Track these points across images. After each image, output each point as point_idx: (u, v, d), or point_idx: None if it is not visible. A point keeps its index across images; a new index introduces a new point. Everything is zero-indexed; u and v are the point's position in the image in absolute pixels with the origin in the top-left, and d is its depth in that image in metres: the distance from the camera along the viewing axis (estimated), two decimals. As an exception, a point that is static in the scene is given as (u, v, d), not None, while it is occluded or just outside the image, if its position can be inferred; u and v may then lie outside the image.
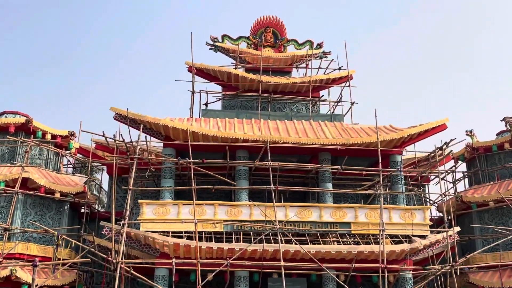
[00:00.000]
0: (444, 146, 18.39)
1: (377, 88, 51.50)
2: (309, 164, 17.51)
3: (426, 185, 21.14)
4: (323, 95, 21.83)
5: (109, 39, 56.68)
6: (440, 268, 16.58)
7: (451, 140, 18.21)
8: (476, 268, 18.16)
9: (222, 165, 17.34)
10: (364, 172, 17.86)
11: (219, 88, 21.97)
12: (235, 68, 21.40)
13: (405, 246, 16.26)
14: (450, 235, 16.79)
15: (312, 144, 17.23)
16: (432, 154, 18.69)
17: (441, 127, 18.48)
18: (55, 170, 18.95)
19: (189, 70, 20.98)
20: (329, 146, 17.29)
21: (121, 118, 17.51)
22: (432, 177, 20.50)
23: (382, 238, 15.80)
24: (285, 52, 22.66)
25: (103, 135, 17.20)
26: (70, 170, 20.78)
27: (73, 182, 18.46)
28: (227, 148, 16.63)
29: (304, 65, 22.68)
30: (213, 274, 15.65)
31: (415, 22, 55.76)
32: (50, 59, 55.28)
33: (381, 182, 16.90)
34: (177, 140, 17.41)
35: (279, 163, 16.87)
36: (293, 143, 17.14)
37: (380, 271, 15.51)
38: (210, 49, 22.43)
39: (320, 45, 22.87)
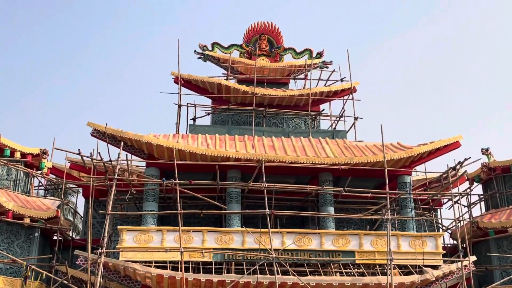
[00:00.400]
0: (458, 166, 18.46)
1: (383, 102, 51.96)
2: (308, 186, 17.53)
3: (439, 210, 21.17)
4: (323, 109, 21.98)
5: (87, 48, 56.97)
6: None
7: (466, 159, 18.30)
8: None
9: (212, 187, 17.32)
10: (369, 195, 17.88)
11: (208, 101, 22.08)
12: (227, 79, 21.53)
13: (415, 278, 16.23)
14: (466, 265, 16.76)
15: (312, 163, 17.25)
16: (445, 175, 18.75)
17: (454, 145, 18.58)
18: (25, 193, 18.84)
19: (176, 81, 21.07)
20: (331, 166, 17.33)
21: (99, 134, 17.50)
22: (445, 200, 20.58)
23: (390, 269, 15.77)
24: (281, 61, 22.88)
25: (79, 154, 17.14)
26: (41, 192, 20.71)
27: (44, 206, 18.36)
28: (217, 168, 16.63)
29: (302, 76, 22.87)
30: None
31: (424, 31, 56.50)
32: (20, 69, 55.38)
33: (389, 206, 16.92)
34: (162, 159, 17.41)
35: (275, 184, 16.87)
36: (291, 163, 17.16)
37: (388, 306, 15.43)
38: (198, 58, 22.59)
39: (320, 54, 23.07)
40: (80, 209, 22.24)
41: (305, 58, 22.78)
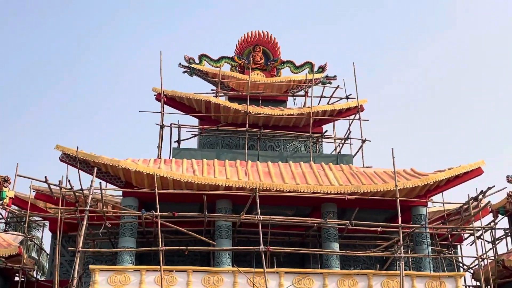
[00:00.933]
0: (480, 196, 18.48)
1: (394, 123, 52.16)
2: (309, 219, 17.54)
3: (459, 246, 21.18)
4: (326, 131, 22.16)
5: (59, 60, 57.13)
6: None
7: (489, 188, 18.33)
8: None
9: (199, 220, 17.35)
10: (379, 229, 17.96)
11: (195, 121, 22.25)
12: (216, 96, 21.73)
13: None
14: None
15: (313, 192, 17.33)
16: (465, 206, 18.80)
17: (476, 172, 18.73)
18: (-18, 226, 18.80)
19: (158, 98, 21.25)
20: (335, 196, 17.40)
21: (69, 159, 17.53)
22: (466, 235, 20.57)
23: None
24: (278, 76, 23.13)
25: (46, 181, 17.12)
26: (2, 226, 20.62)
27: (5, 242, 18.29)
28: (204, 197, 16.64)
29: (302, 93, 23.09)
30: None
31: (441, 44, 56.98)
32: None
33: (401, 241, 16.92)
34: (141, 188, 17.43)
35: (271, 217, 16.88)
36: (289, 192, 17.22)
37: None
38: (184, 72, 22.84)
39: (322, 68, 23.31)
40: (47, 246, 22.20)
41: (306, 72, 23.05)
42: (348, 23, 58.36)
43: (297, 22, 56.72)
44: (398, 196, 17.11)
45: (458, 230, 18.98)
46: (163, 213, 16.39)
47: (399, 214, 16.94)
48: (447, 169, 18.54)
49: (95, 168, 17.24)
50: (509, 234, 20.83)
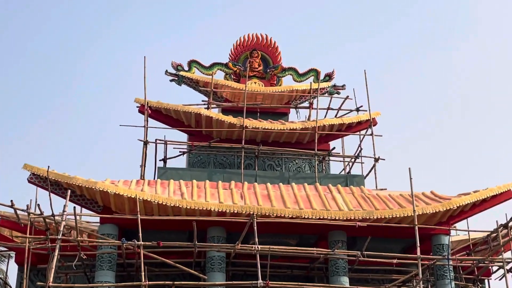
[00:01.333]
0: (511, 223, 18.02)
1: (411, 139, 51.78)
2: (314, 249, 16.97)
3: (486, 281, 20.67)
4: (334, 148, 21.79)
5: (32, 70, 56.71)
6: None
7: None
8: None
9: (187, 250, 16.88)
10: (395, 261, 17.46)
11: (184, 137, 21.94)
12: (208, 108, 21.40)
13: None
14: None
15: (319, 218, 16.88)
16: (494, 235, 18.32)
17: (505, 195, 18.30)
18: None
19: (141, 110, 20.91)
20: (344, 222, 16.94)
21: (39, 180, 17.07)
22: (495, 268, 20.12)
23: None
24: (279, 85, 22.87)
25: (12, 206, 16.61)
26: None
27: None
28: (194, 224, 16.18)
29: (306, 104, 22.78)
30: None
31: (465, 52, 56.65)
32: None
33: (421, 275, 16.36)
34: (121, 213, 17.00)
35: (271, 247, 16.39)
36: (292, 218, 16.78)
37: None
38: (171, 80, 22.61)
39: (329, 76, 23.04)
40: (12, 280, 21.65)
41: (310, 81, 22.75)
42: (359, 27, 58.27)
43: (301, 24, 56.67)
44: (416, 223, 16.58)
45: (486, 262, 18.48)
46: (147, 243, 15.88)
47: (418, 244, 16.41)
48: (472, 192, 18.11)
49: (69, 191, 16.74)
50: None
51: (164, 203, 16.60)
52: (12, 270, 37.19)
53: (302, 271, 18.71)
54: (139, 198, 16.41)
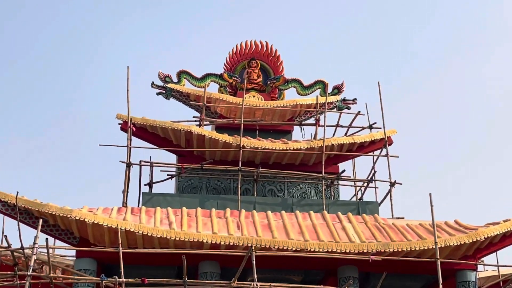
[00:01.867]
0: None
1: (431, 161, 51.45)
2: (322, 287, 16.92)
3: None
4: (344, 170, 21.78)
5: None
6: None
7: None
8: None
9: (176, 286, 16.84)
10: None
11: (172, 158, 21.96)
12: (200, 125, 21.40)
13: None
14: None
15: (327, 252, 16.91)
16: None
17: (539, 224, 18.36)
18: None
19: (123, 128, 20.87)
20: (356, 256, 16.97)
21: (7, 208, 17.08)
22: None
23: None
24: (281, 99, 22.91)
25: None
26: None
27: None
28: (184, 259, 16.16)
29: (312, 120, 22.87)
30: None
31: (495, 65, 56.53)
32: None
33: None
34: (100, 245, 16.99)
35: (272, 284, 16.37)
36: (296, 251, 16.80)
37: None
38: (158, 94, 22.67)
39: (338, 89, 23.13)
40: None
41: (317, 94, 22.82)
42: (372, 34, 58.31)
43: (306, 30, 56.60)
44: (438, 257, 16.67)
45: None
46: (130, 280, 15.86)
47: (440, 281, 16.51)
48: (502, 221, 18.13)
49: (41, 220, 16.73)
50: None
51: (149, 234, 16.61)
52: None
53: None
54: (120, 229, 16.40)
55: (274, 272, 17.26)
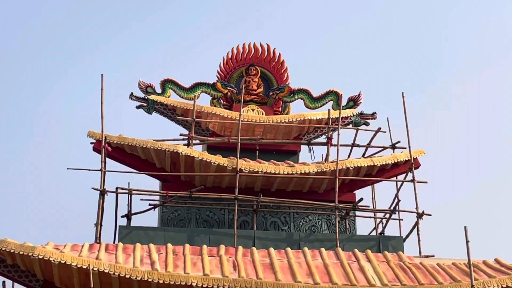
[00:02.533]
0: None
1: (466, 190, 51.12)
2: None
3: None
4: (362, 199, 21.34)
5: None
6: None
7: None
8: None
9: None
10: None
11: (155, 185, 21.78)
12: (188, 145, 21.16)
13: None
14: None
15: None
16: None
17: None
18: None
19: (96, 148, 20.66)
20: (377, 302, 16.76)
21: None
22: None
23: None
24: (286, 113, 22.80)
25: None
26: None
27: None
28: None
29: (323, 139, 22.65)
30: None
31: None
32: None
33: None
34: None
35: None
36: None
37: None
38: (139, 107, 22.58)
39: (354, 101, 22.96)
40: None
41: (329, 107, 22.63)
42: (393, 39, 58.24)
43: (315, 33, 56.51)
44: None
45: None
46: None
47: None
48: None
49: (-3, 261, 16.62)
50: None
51: (127, 276, 16.35)
52: None
53: None
54: (93, 269, 16.17)
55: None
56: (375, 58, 57.45)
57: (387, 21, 58.22)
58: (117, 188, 20.33)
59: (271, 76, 22.97)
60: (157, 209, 20.97)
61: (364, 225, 24.11)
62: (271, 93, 22.72)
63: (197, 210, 20.73)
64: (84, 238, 18.67)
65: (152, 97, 22.20)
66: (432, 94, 55.98)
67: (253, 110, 22.35)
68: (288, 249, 19.00)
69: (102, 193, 19.87)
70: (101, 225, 19.56)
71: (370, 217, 21.99)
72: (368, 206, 21.71)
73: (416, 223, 20.54)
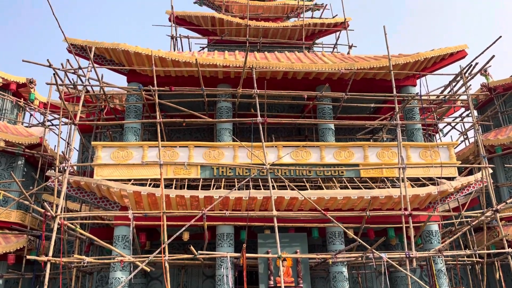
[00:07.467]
0: (467, 73, 12.28)
1: (378, 35, 43.65)
2: (304, 92, 11.47)
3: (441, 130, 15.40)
4: (318, 39, 16.43)
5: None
6: (480, 213, 10.80)
7: (476, 64, 12.24)
8: (506, 221, 12.75)
9: (199, 101, 11.98)
10: (372, 104, 12.36)
11: (203, 39, 16.78)
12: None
13: (432, 189, 10.55)
14: (480, 180, 11.10)
15: (308, 70, 11.66)
16: (455, 83, 12.82)
17: (460, 54, 12.80)
18: (11, 123, 13.64)
19: (170, 19, 15.70)
20: (331, 72, 11.71)
21: (77, 49, 11.98)
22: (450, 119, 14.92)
23: (403, 179, 10.12)
24: (275, 1, 17.49)
25: (57, 84, 11.36)
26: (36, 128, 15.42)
27: (27, 133, 13.16)
28: (200, 79, 11.12)
29: (295, 17, 17.33)
30: (188, 230, 10.16)
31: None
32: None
33: (397, 109, 10.93)
34: (144, 74, 11.93)
35: (267, 91, 11.23)
36: (285, 69, 11.56)
37: (403, 221, 9.76)
38: (195, 2, 17.39)
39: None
40: (76, 144, 16.74)
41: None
42: None
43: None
44: (391, 68, 11.15)
45: (451, 101, 13.39)
46: (160, 88, 10.92)
47: (394, 85, 11.01)
48: (436, 49, 12.71)
49: (92, 54, 11.70)
50: (487, 118, 15.15)
51: (176, 59, 11.39)
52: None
53: (294, 125, 13.53)
54: (155, 55, 11.28)
55: (269, 97, 12.22)
56: None
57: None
58: (180, 34, 15.44)
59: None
60: (203, 50, 15.80)
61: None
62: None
63: (226, 49, 15.62)
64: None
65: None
66: None
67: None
68: (276, 52, 13.36)
69: (172, 37, 14.94)
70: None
71: (322, 50, 16.81)
72: (321, 42, 16.34)
73: (348, 53, 15.30)
